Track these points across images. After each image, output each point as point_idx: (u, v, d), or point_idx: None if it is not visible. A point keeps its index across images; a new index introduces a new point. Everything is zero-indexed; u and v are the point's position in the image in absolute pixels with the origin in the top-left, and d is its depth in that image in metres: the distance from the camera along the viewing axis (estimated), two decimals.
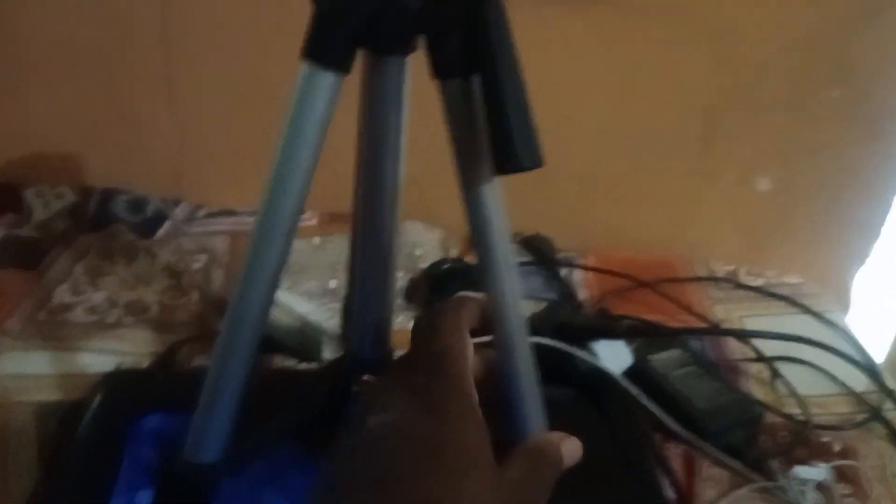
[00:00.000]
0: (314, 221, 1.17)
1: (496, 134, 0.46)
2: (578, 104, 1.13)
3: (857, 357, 1.01)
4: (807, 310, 1.13)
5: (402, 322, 0.99)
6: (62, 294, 0.98)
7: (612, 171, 1.18)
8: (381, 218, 0.56)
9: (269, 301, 0.53)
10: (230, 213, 1.18)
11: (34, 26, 1.09)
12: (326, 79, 0.47)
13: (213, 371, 0.54)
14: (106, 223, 1.12)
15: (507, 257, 0.53)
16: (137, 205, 1.15)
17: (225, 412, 0.54)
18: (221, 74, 1.11)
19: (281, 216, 0.51)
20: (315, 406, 0.64)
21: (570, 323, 0.90)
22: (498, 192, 0.51)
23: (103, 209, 1.14)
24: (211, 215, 1.17)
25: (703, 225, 1.23)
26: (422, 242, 1.15)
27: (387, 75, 0.50)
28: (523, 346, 0.56)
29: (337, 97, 0.48)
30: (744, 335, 1.03)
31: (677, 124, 1.14)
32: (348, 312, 0.73)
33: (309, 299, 0.99)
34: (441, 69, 0.48)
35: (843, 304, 1.26)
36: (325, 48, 0.47)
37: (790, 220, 1.22)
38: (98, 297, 0.97)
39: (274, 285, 0.52)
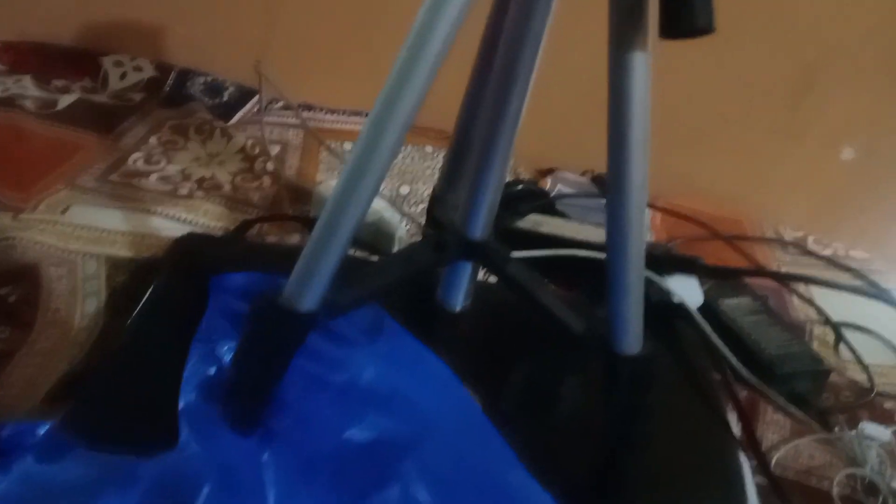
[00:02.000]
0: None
1: None
2: (668, 53, 1.10)
3: None
4: (873, 284, 1.10)
5: None
6: (136, 161, 0.97)
7: (695, 117, 1.15)
8: (513, 105, 0.55)
9: (383, 174, 0.51)
10: (308, 107, 1.16)
11: None
12: None
13: (322, 225, 0.53)
14: (182, 102, 1.11)
15: (645, 138, 0.51)
16: (215, 88, 1.14)
17: (327, 267, 0.53)
18: None
19: (409, 94, 0.49)
20: (404, 277, 0.63)
21: (647, 253, 0.88)
22: (648, 67, 0.50)
23: (180, 88, 1.13)
24: (287, 108, 1.15)
25: (777, 186, 1.20)
26: None
27: None
28: (639, 238, 0.54)
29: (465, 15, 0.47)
30: (822, 284, 1.02)
31: (773, 78, 1.11)
32: (440, 200, 0.72)
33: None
34: None
35: None
36: None
37: (866, 194, 1.19)
38: (172, 169, 0.97)
39: (390, 161, 0.51)
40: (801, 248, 1.16)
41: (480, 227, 0.61)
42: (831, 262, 1.14)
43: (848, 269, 1.13)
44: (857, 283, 1.09)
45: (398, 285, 0.58)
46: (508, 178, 1.10)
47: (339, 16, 1.12)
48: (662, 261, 0.89)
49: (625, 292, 0.56)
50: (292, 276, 0.54)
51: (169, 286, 0.71)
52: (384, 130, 0.49)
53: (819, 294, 1.06)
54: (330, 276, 0.54)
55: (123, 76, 1.13)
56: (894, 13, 1.05)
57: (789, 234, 1.19)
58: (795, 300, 1.03)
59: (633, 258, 0.55)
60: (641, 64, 0.49)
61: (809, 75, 1.10)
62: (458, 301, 0.67)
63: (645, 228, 0.54)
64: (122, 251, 0.81)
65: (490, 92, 0.56)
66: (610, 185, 0.53)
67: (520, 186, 1.04)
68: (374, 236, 0.87)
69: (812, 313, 1.00)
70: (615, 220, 0.54)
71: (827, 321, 0.99)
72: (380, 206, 0.90)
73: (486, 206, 0.60)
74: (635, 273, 0.56)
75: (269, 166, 1.01)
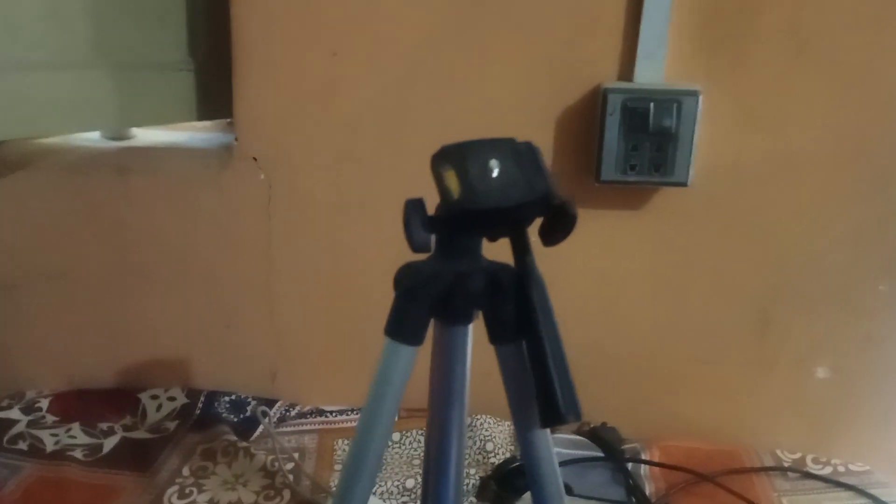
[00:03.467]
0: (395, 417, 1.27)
1: (541, 391, 0.56)
2: (639, 301, 1.23)
3: None
4: (876, 500, 1.14)
5: None
6: (171, 497, 1.09)
7: (672, 362, 1.26)
8: (448, 451, 0.66)
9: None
10: (320, 412, 1.29)
11: (153, 238, 1.27)
12: (404, 351, 0.59)
13: None
14: (211, 422, 1.25)
15: (559, 491, 0.62)
16: (238, 406, 1.28)
17: None
18: (316, 288, 1.27)
19: (369, 454, 0.61)
20: None
21: None
22: (548, 437, 0.61)
23: (208, 409, 1.27)
24: (301, 415, 1.29)
25: (765, 412, 1.27)
26: (492, 437, 1.23)
27: (452, 341, 0.62)
28: None
29: (413, 363, 0.60)
30: None
31: (731, 318, 1.22)
32: None
33: (387, 499, 1.07)
34: (496, 336, 0.60)
35: None
36: (403, 328, 0.59)
37: (853, 406, 1.25)
38: (202, 500, 1.08)
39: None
40: (799, 471, 1.21)
41: None
42: (830, 481, 1.19)
43: (849, 488, 1.17)
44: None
45: None
46: (506, 454, 1.20)
47: (339, 332, 1.28)
48: None
49: None
50: None
51: None
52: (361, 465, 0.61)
53: None
54: None
55: (159, 408, 1.28)
56: (831, 243, 1.17)
57: (787, 457, 1.24)
58: None
59: None
60: (543, 438, 0.60)
61: (764, 312, 1.21)
62: None
63: None
64: None
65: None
66: None
67: (515, 464, 1.12)
68: None
69: None
70: None
71: None
72: None
73: None
74: None
75: (290, 478, 1.13)
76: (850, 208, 1.15)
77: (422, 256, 0.60)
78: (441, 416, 0.66)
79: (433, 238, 0.58)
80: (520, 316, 0.58)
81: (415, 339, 0.59)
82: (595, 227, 1.18)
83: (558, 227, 0.55)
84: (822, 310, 1.21)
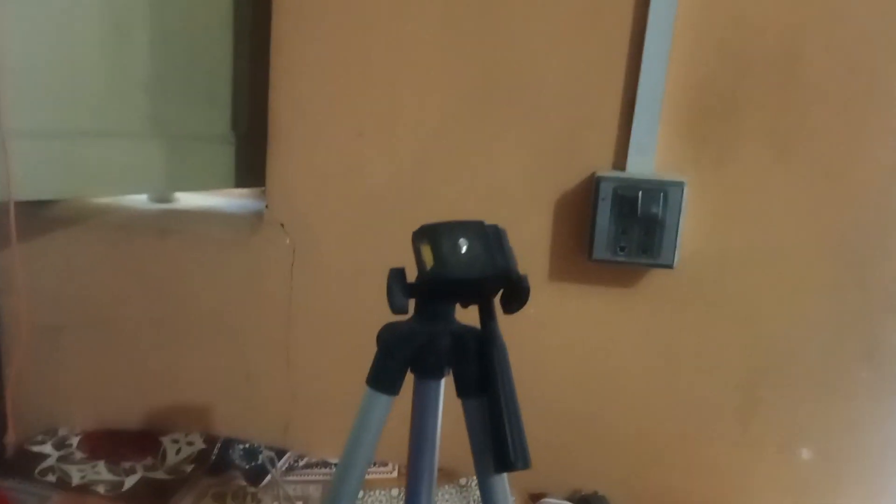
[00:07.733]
0: (395, 473, 1.35)
1: (496, 441, 0.64)
2: (631, 375, 1.30)
3: None
4: None
5: None
6: None
7: (662, 437, 1.32)
8: (419, 492, 0.74)
9: None
10: (325, 464, 1.37)
11: (186, 293, 1.39)
12: (382, 399, 0.68)
13: None
14: (225, 468, 1.34)
15: None
16: (251, 454, 1.37)
17: None
18: (331, 348, 1.37)
19: (346, 488, 0.69)
20: None
21: None
22: (504, 482, 0.69)
23: (223, 456, 1.36)
24: (309, 466, 1.37)
25: (750, 491, 1.31)
26: None
27: (426, 393, 0.71)
28: None
29: (389, 410, 0.69)
30: None
31: (717, 398, 1.29)
32: None
33: None
34: (461, 391, 0.69)
35: None
36: (380, 379, 0.68)
37: (835, 489, 1.29)
38: None
39: None
40: None
41: None
42: None
43: None
44: None
45: None
46: None
47: (350, 387, 1.37)
48: None
49: None
50: None
51: None
52: None
53: None
54: None
55: (178, 451, 1.38)
56: (812, 329, 1.23)
57: None
58: None
59: None
60: (500, 483, 0.68)
61: (746, 394, 1.27)
62: None
63: None
64: None
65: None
66: None
67: None
68: None
69: None
70: None
71: None
72: None
73: None
74: None
75: None
76: (830, 297, 1.22)
77: (404, 317, 0.70)
78: (415, 461, 0.74)
79: (413, 302, 0.68)
80: (482, 374, 0.66)
81: (390, 389, 0.68)
82: (589, 302, 1.26)
83: (515, 297, 0.64)
84: (805, 393, 1.26)
